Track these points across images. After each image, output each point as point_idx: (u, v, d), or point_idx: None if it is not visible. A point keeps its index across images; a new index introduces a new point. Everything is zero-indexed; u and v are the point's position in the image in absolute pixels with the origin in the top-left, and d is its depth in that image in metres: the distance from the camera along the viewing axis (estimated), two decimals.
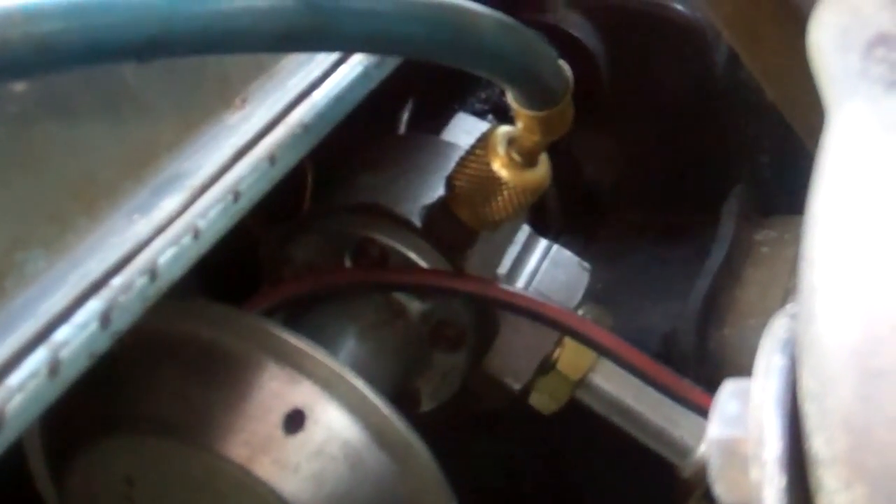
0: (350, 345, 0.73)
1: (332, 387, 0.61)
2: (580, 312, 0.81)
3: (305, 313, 0.74)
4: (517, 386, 0.80)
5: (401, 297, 0.76)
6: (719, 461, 0.35)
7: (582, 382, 0.80)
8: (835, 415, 0.30)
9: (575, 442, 0.92)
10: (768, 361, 0.33)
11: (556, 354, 0.80)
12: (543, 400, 0.81)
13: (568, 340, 0.79)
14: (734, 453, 0.34)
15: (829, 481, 0.29)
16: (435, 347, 0.77)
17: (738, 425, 0.34)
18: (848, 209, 0.31)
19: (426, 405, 0.80)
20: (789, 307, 0.34)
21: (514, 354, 0.79)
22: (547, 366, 0.80)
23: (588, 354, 0.80)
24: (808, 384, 0.30)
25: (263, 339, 0.62)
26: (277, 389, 0.61)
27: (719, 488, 0.35)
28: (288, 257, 0.78)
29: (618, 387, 0.80)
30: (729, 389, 0.35)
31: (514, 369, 0.79)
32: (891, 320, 0.29)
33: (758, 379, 0.34)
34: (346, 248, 0.75)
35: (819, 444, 0.30)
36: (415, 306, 0.76)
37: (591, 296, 0.85)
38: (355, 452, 0.61)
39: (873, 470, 0.29)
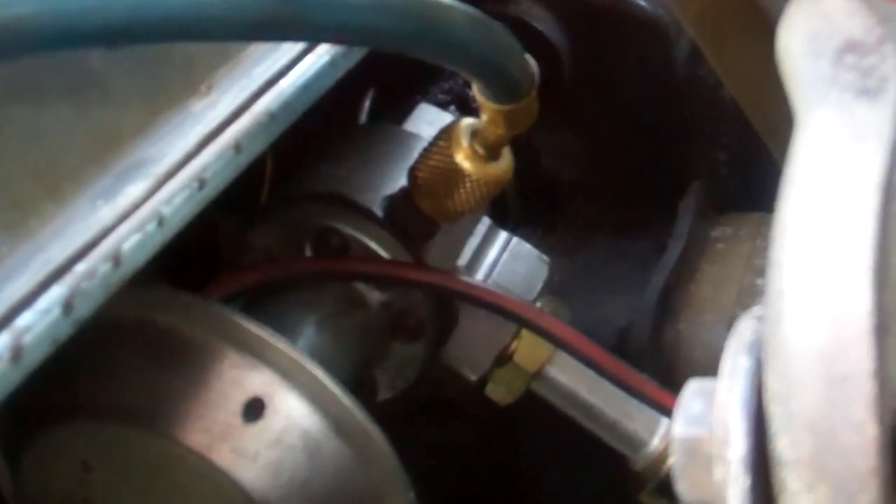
0: (309, 334, 0.73)
1: (292, 376, 0.61)
2: (538, 305, 0.82)
3: (265, 301, 0.74)
4: (474, 377, 0.80)
5: (361, 286, 0.76)
6: (683, 460, 0.35)
7: (538, 375, 0.81)
8: (800, 417, 0.30)
9: (529, 433, 0.93)
10: (734, 363, 0.34)
11: (513, 346, 0.80)
12: (499, 391, 0.82)
13: (525, 333, 0.80)
14: (698, 452, 0.34)
15: (793, 483, 0.30)
16: (394, 338, 0.77)
17: (701, 425, 0.35)
18: (816, 216, 0.32)
19: (383, 394, 0.80)
20: (755, 309, 0.35)
21: (471, 346, 0.79)
22: (504, 358, 0.80)
23: (545, 347, 0.80)
24: (773, 386, 0.31)
25: (223, 327, 0.62)
26: (237, 377, 0.61)
27: (682, 486, 0.36)
28: (248, 245, 0.78)
29: (573, 379, 0.81)
30: (693, 389, 0.36)
31: (472, 360, 0.80)
32: (856, 325, 0.29)
33: (723, 380, 0.34)
34: (306, 236, 0.75)
35: (783, 445, 0.30)
36: (374, 296, 0.76)
37: (548, 288, 0.86)
38: (314, 441, 0.61)
39: (837, 472, 0.29)
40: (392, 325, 0.77)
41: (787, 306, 0.31)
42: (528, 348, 0.80)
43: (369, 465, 0.62)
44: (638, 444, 0.79)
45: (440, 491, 0.97)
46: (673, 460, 0.36)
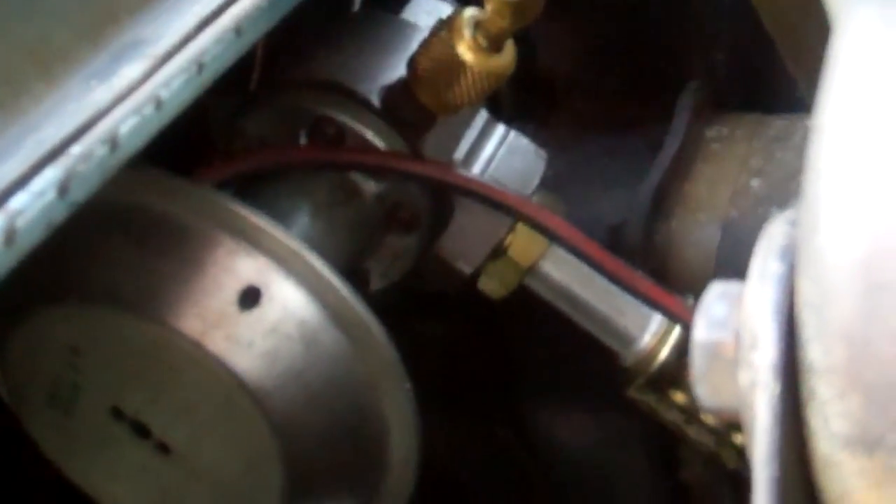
0: (302, 222, 0.72)
1: (289, 265, 0.60)
2: (534, 200, 0.81)
3: (257, 189, 0.73)
4: (468, 270, 0.79)
5: (356, 177, 0.75)
6: (703, 364, 0.35)
7: (532, 269, 0.80)
8: (834, 325, 0.29)
9: (520, 329, 0.93)
10: (764, 266, 0.33)
11: (508, 241, 0.79)
12: (493, 285, 0.81)
13: (520, 227, 0.79)
14: (719, 357, 0.33)
15: (824, 391, 0.29)
16: (388, 229, 0.76)
17: (724, 329, 0.34)
18: (858, 119, 0.30)
19: (375, 285, 0.79)
20: (787, 213, 0.34)
21: (466, 239, 0.79)
22: (498, 251, 0.79)
23: (539, 242, 0.79)
24: (807, 293, 0.30)
25: (219, 213, 0.61)
26: (232, 264, 0.60)
27: (701, 391, 0.35)
28: (240, 131, 0.76)
29: (566, 275, 0.80)
30: (716, 292, 0.35)
31: (466, 254, 0.79)
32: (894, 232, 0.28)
33: (752, 283, 0.33)
34: (301, 124, 0.74)
35: (815, 353, 0.30)
36: (370, 187, 0.75)
37: (541, 184, 0.85)
38: (311, 332, 0.60)
39: (870, 382, 0.29)
40: (387, 216, 0.76)
41: (825, 213, 0.30)
42: (522, 243, 0.79)
43: (367, 356, 0.62)
44: (628, 340, 0.79)
45: (426, 383, 0.97)
46: (693, 364, 0.35)
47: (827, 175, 0.30)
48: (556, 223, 0.75)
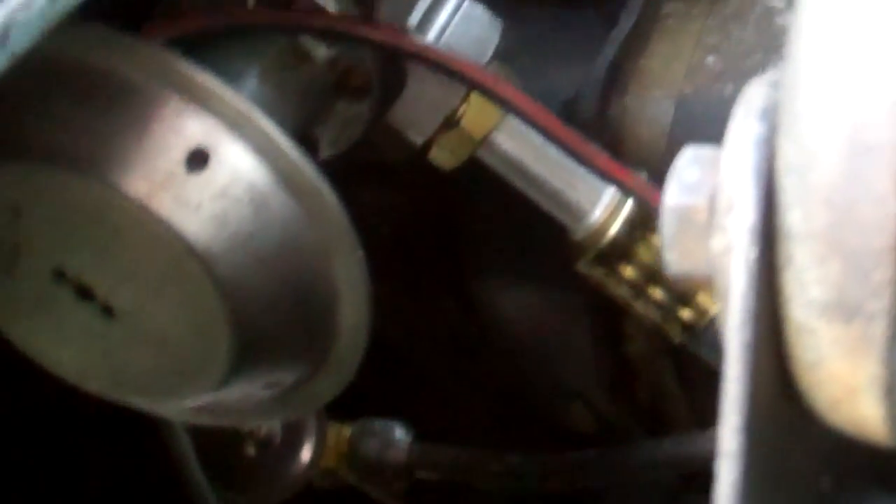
0: (251, 85, 0.70)
1: (239, 127, 0.59)
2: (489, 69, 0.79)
3: (205, 49, 0.70)
4: (419, 140, 0.78)
5: (307, 41, 0.72)
6: (674, 229, 0.34)
7: (484, 140, 0.79)
8: (816, 189, 0.29)
9: (468, 201, 0.92)
10: (743, 128, 0.32)
11: (461, 111, 0.78)
12: (444, 156, 0.80)
13: (474, 98, 0.77)
14: (690, 221, 0.33)
15: (802, 257, 0.29)
16: (339, 95, 0.74)
17: (696, 193, 0.33)
18: None
19: (325, 153, 0.77)
20: (768, 75, 0.33)
21: (419, 108, 0.77)
22: (451, 122, 0.78)
23: (493, 113, 0.78)
24: (789, 155, 0.29)
25: (167, 71, 0.58)
26: (180, 125, 0.58)
27: (670, 256, 0.34)
28: None
29: (519, 147, 0.79)
30: (689, 155, 0.34)
31: (418, 123, 0.77)
32: (886, 94, 0.28)
33: (730, 146, 0.32)
34: None
35: (795, 218, 0.29)
36: (321, 52, 0.73)
37: (494, 56, 0.83)
38: (260, 195, 0.59)
39: (852, 247, 0.28)
40: (337, 82, 0.74)
41: (810, 73, 0.28)
42: (476, 113, 0.78)
43: (317, 222, 0.60)
44: (580, 213, 0.79)
45: (372, 254, 0.96)
46: (663, 229, 0.34)
47: (811, 34, 0.29)
48: (511, 93, 0.74)
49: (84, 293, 0.63)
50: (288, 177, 0.59)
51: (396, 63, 0.76)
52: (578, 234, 0.80)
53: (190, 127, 0.58)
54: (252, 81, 0.70)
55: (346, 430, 0.93)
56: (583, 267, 0.81)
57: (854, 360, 0.28)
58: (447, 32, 0.78)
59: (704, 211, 0.32)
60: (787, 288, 0.29)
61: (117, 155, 0.58)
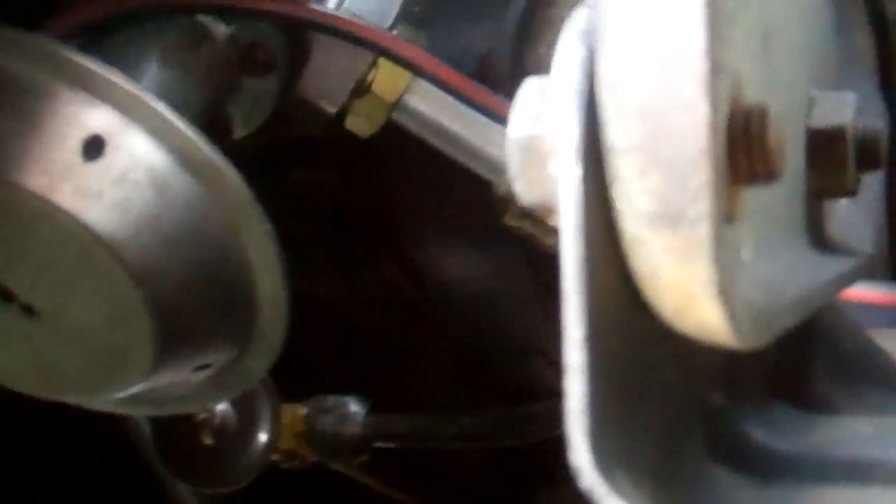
0: (153, 70, 0.70)
1: (132, 111, 0.59)
2: (394, 33, 0.79)
3: (103, 38, 0.70)
4: (332, 109, 0.78)
5: (206, 19, 0.72)
6: (520, 160, 0.34)
7: (398, 104, 0.79)
8: (630, 103, 0.29)
9: (393, 166, 0.92)
10: (565, 52, 0.32)
11: (370, 76, 0.78)
12: (359, 123, 0.80)
13: (383, 62, 0.77)
14: (534, 150, 0.33)
15: (625, 170, 0.29)
16: (244, 72, 0.74)
17: (539, 122, 0.33)
18: None
19: (239, 132, 0.78)
20: None
21: (327, 77, 0.77)
22: (362, 88, 0.78)
23: (404, 75, 0.78)
24: (604, 73, 0.29)
25: (54, 64, 0.58)
26: (73, 115, 0.58)
27: (519, 187, 0.35)
28: None
29: (434, 107, 0.79)
30: (530, 86, 0.34)
31: (329, 92, 0.77)
32: (688, 7, 0.28)
33: (555, 70, 0.33)
34: None
35: (615, 133, 0.29)
36: (221, 30, 0.73)
37: (408, 18, 0.83)
38: (161, 177, 0.59)
39: (668, 157, 0.29)
40: (241, 58, 0.74)
41: None
42: (386, 77, 0.78)
43: (221, 198, 0.61)
44: (500, 167, 0.79)
45: (309, 227, 0.97)
46: (510, 160, 0.35)
47: None
48: (417, 54, 0.74)
49: (4, 295, 0.63)
50: (187, 157, 0.60)
51: (300, 34, 0.76)
52: (501, 187, 0.80)
53: (82, 116, 0.58)
54: (153, 66, 0.70)
55: (302, 410, 0.93)
56: (510, 220, 0.81)
57: (685, 265, 0.29)
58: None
59: (547, 139, 0.33)
60: (618, 203, 0.29)
61: (13, 152, 0.58)
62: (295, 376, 0.96)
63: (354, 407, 0.93)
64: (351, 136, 0.82)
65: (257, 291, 0.63)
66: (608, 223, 0.30)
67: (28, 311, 0.63)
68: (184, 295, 0.61)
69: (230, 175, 0.60)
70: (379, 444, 0.93)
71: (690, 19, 0.28)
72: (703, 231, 0.29)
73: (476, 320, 1.01)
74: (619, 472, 0.30)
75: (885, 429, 0.43)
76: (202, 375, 0.66)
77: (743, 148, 0.31)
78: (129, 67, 0.67)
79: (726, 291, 0.29)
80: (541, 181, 0.33)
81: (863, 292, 0.68)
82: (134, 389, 0.64)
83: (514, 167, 0.34)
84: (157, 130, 0.59)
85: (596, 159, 0.30)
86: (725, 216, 0.30)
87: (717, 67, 0.28)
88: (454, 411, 0.94)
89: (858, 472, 0.37)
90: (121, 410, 0.71)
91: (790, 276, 0.41)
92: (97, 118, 0.58)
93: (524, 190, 0.34)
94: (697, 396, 0.39)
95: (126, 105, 0.59)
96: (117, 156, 0.58)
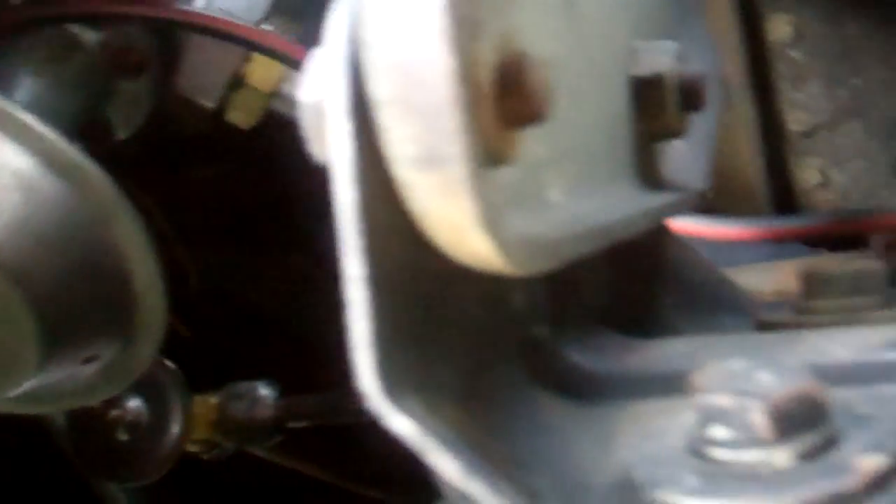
0: (27, 83, 0.72)
1: None
2: (267, 26, 0.82)
3: None
4: (210, 104, 0.80)
5: (75, 28, 0.75)
6: (311, 123, 0.37)
7: (276, 94, 0.81)
8: (386, 59, 0.32)
9: (283, 155, 0.94)
10: (335, 17, 0.35)
11: (245, 69, 0.80)
12: (239, 115, 0.82)
13: (256, 54, 0.80)
14: (322, 113, 0.36)
15: (387, 120, 0.32)
16: (118, 75, 0.76)
17: (323, 88, 0.36)
18: None
19: (121, 133, 0.80)
20: None
21: (201, 73, 0.79)
22: (238, 81, 0.80)
23: (277, 66, 0.80)
24: (363, 34, 0.32)
25: None
26: None
27: (314, 148, 0.38)
28: None
29: None
30: (317, 53, 0.37)
31: (204, 88, 0.80)
32: None
33: (326, 37, 0.35)
34: None
35: (375, 87, 0.32)
36: (90, 37, 0.75)
37: (284, 9, 0.85)
38: (28, 180, 0.61)
39: (422, 105, 0.31)
40: (113, 63, 0.76)
41: None
42: (260, 69, 0.80)
43: (88, 195, 0.63)
44: None
45: (213, 222, 0.99)
46: (304, 125, 0.38)
47: None
48: (284, 45, 0.77)
49: None
50: (51, 159, 0.62)
51: (170, 34, 0.78)
52: None
53: None
54: (27, 79, 0.72)
55: (213, 399, 0.95)
56: None
57: (450, 201, 0.32)
58: None
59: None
60: (387, 150, 0.32)
61: None
62: (207, 368, 0.99)
63: (264, 391, 0.95)
64: (239, 130, 0.84)
65: (133, 281, 0.65)
66: (385, 172, 0.33)
67: None
68: (62, 290, 0.63)
69: (94, 173, 0.63)
70: (291, 425, 0.95)
71: None
72: (460, 169, 0.31)
73: None
74: (411, 396, 0.33)
75: (697, 344, 0.46)
76: (92, 368, 0.68)
77: (507, 93, 0.34)
78: (4, 80, 0.69)
79: (492, 223, 0.32)
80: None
81: (721, 229, 0.71)
82: (26, 386, 0.66)
83: (308, 130, 0.37)
84: (20, 136, 0.61)
85: (367, 115, 0.33)
86: (492, 158, 0.33)
87: (460, 24, 0.31)
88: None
89: (664, 384, 0.40)
90: (20, 410, 0.73)
91: (600, 209, 0.44)
92: None
93: (318, 150, 0.37)
94: (515, 329, 0.42)
95: None
96: None
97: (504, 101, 0.34)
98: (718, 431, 0.33)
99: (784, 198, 0.90)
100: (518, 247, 0.34)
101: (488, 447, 0.34)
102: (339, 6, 0.35)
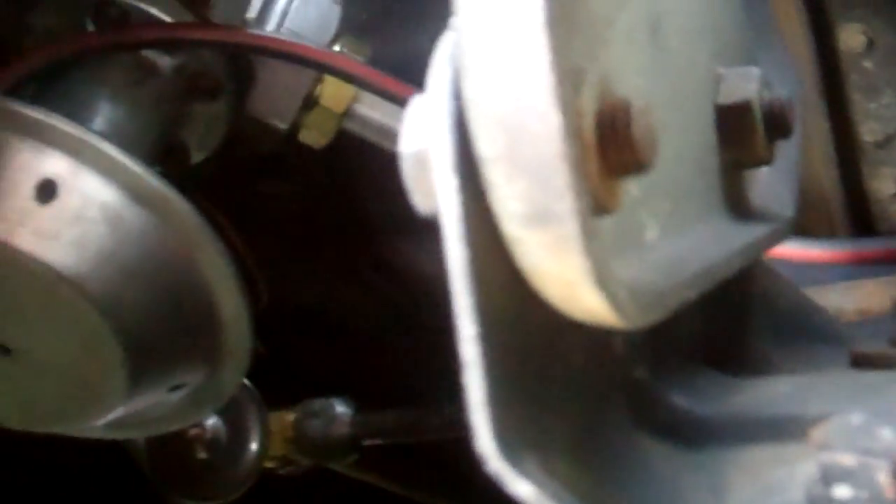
0: (105, 109, 0.72)
1: (79, 153, 0.62)
2: (337, 47, 0.82)
3: (55, 83, 0.73)
4: (284, 126, 0.81)
5: (150, 54, 0.75)
6: (413, 174, 0.37)
7: (348, 114, 0.82)
8: (492, 116, 0.32)
9: (355, 173, 0.94)
10: (435, 73, 0.35)
11: (317, 90, 0.80)
12: (312, 136, 0.82)
13: (327, 76, 0.80)
14: (426, 164, 0.36)
15: (495, 178, 0.32)
16: (193, 99, 0.77)
17: (425, 137, 0.36)
18: None
19: (196, 157, 0.80)
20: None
21: (274, 96, 0.80)
22: (310, 103, 0.80)
23: (349, 86, 0.80)
24: (468, 90, 0.32)
25: (2, 116, 0.61)
26: (23, 163, 0.61)
27: (416, 198, 0.37)
28: (28, 27, 0.76)
29: (382, 113, 0.82)
30: (416, 103, 0.37)
31: (278, 110, 0.80)
32: (531, 19, 0.30)
33: (429, 91, 0.35)
34: (85, 12, 0.73)
35: (482, 145, 0.32)
36: (165, 62, 0.75)
37: (354, 26, 0.85)
38: (114, 212, 0.62)
39: (530, 162, 0.31)
40: (188, 87, 0.76)
41: (465, 14, 0.31)
42: (332, 90, 0.81)
43: (173, 226, 0.63)
44: None
45: (284, 239, 0.99)
46: (405, 175, 0.37)
47: None
48: (355, 68, 0.77)
49: None
50: (136, 190, 0.62)
51: (243, 57, 0.78)
52: None
53: (33, 163, 0.61)
54: (104, 105, 0.73)
55: (290, 416, 0.96)
56: None
57: (560, 258, 0.31)
58: (288, 18, 0.81)
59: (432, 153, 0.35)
60: (494, 207, 0.32)
61: None
62: (283, 384, 0.99)
63: (341, 408, 0.95)
64: (312, 149, 0.84)
65: (219, 310, 0.65)
66: (493, 226, 0.33)
67: (3, 350, 0.66)
68: (148, 321, 0.64)
69: (179, 203, 0.63)
70: (368, 442, 0.95)
71: (534, 36, 0.30)
72: (570, 227, 0.31)
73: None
74: (527, 455, 0.33)
75: (802, 386, 0.46)
76: (178, 395, 0.69)
77: (611, 143, 0.33)
78: (81, 109, 0.70)
79: (602, 278, 0.32)
80: (433, 192, 0.36)
81: (804, 251, 0.70)
82: (113, 415, 0.66)
83: (410, 181, 0.37)
84: (107, 169, 0.62)
85: (470, 170, 0.33)
86: (597, 209, 0.33)
87: (563, 78, 0.30)
88: (438, 402, 0.97)
89: (775, 430, 0.40)
90: (108, 436, 0.74)
91: (699, 249, 0.44)
92: (48, 163, 0.61)
93: (421, 201, 0.37)
94: (617, 375, 0.42)
95: (74, 148, 0.61)
96: (70, 197, 0.61)
97: (608, 150, 0.34)
98: (843, 491, 0.33)
99: (858, 209, 0.89)
100: (628, 301, 0.33)
101: (602, 501, 0.34)
102: (441, 54, 0.35)
